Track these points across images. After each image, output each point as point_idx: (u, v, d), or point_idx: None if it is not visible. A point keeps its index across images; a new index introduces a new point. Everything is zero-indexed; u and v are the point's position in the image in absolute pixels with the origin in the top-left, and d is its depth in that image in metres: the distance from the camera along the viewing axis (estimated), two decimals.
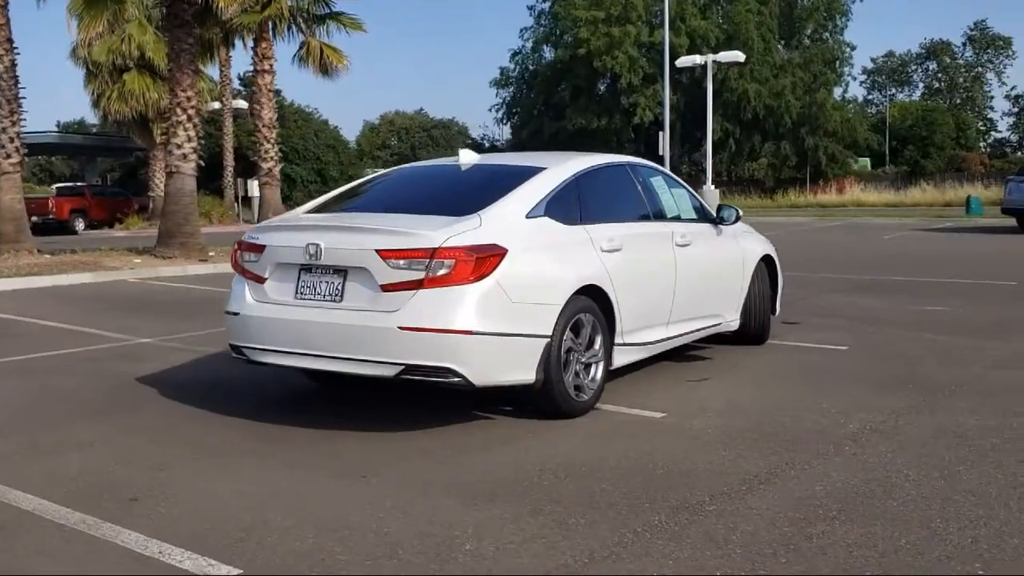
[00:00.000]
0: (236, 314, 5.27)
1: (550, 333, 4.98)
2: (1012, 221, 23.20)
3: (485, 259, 4.72)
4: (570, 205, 5.50)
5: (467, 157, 6.06)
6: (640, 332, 5.86)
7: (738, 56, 31.15)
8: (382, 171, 6.57)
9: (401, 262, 4.70)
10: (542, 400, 5.10)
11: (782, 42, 51.89)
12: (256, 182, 35.60)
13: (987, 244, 19.66)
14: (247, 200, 35.54)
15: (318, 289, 4.97)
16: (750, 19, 47.39)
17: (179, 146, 15.54)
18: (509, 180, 5.42)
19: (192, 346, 7.86)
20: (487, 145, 58.05)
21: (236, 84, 42.81)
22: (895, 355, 7.08)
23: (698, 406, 5.52)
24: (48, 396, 6.12)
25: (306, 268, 5.03)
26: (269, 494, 4.05)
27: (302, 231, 5.16)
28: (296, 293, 5.05)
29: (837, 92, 54.60)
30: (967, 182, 46.16)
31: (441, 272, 4.66)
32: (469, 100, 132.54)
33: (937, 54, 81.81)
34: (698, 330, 6.66)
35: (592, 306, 5.34)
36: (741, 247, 7.24)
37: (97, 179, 44.20)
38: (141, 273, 14.14)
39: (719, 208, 7.06)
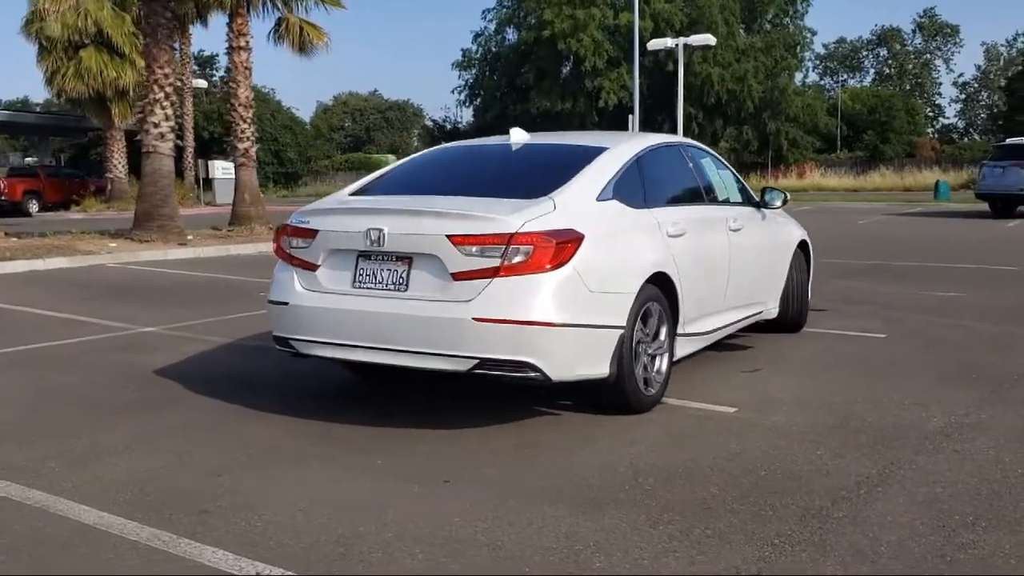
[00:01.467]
0: (284, 304, 4.87)
1: (624, 324, 4.68)
2: (984, 205, 23.43)
3: (564, 245, 4.40)
4: (635, 187, 5.20)
5: (518, 136, 5.71)
6: (698, 321, 5.60)
7: (709, 39, 31.05)
8: (431, 149, 6.16)
9: (474, 248, 4.35)
10: (613, 395, 4.81)
11: (743, 27, 51.95)
12: (216, 163, 34.90)
13: (966, 229, 19.77)
14: (208, 182, 34.70)
15: (379, 277, 4.60)
16: (714, 3, 47.31)
17: (156, 125, 14.86)
18: (572, 160, 5.10)
19: (201, 335, 7.42)
20: (449, 127, 57.31)
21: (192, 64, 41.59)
22: (937, 343, 6.91)
23: (766, 399, 5.27)
24: (62, 392, 5.68)
25: (365, 255, 4.66)
26: (350, 502, 3.71)
27: (360, 215, 4.77)
28: (354, 281, 4.68)
29: (797, 77, 54.98)
30: (925, 167, 46.76)
31: (517, 259, 4.33)
32: (424, 82, 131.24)
33: (887, 41, 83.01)
34: (745, 318, 6.42)
35: (659, 295, 5.05)
36: (783, 232, 7.02)
37: (51, 159, 42.77)
38: (120, 257, 13.52)
39: (763, 191, 6.82)
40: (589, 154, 5.17)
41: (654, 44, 31.01)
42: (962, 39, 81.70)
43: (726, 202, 6.32)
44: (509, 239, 4.32)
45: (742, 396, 5.33)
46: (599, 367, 4.62)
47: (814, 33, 54.84)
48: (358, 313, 4.60)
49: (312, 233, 4.83)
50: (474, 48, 53.89)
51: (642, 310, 4.86)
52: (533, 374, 4.37)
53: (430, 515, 3.55)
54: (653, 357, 5.06)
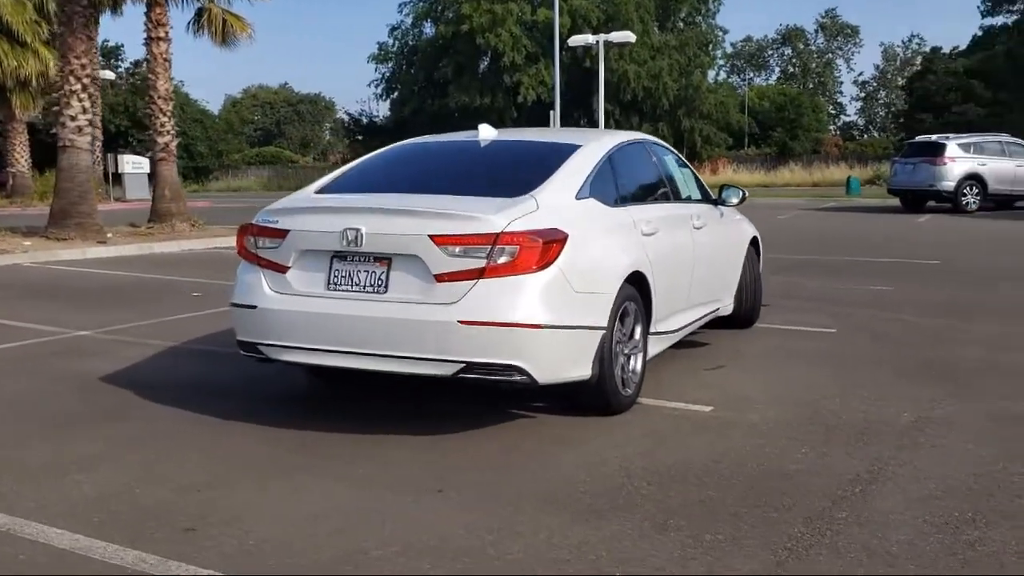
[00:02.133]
0: (252, 307, 4.65)
1: (606, 324, 4.62)
2: (895, 200, 24.19)
3: (550, 245, 4.30)
4: (609, 186, 5.14)
5: (486, 132, 5.59)
6: (667, 320, 5.58)
7: (629, 36, 31.28)
8: (405, 142, 5.90)
9: (458, 249, 4.23)
10: (593, 396, 4.74)
11: (657, 24, 52.61)
12: (125, 157, 33.70)
13: (880, 223, 20.36)
14: (117, 177, 33.51)
15: (356, 279, 4.43)
16: (629, 0, 47.77)
17: (73, 118, 14.20)
18: (548, 157, 5.02)
19: (140, 339, 7.09)
20: (365, 121, 56.55)
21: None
22: (885, 338, 7.05)
23: (738, 397, 5.28)
24: (3, 403, 5.33)
25: (340, 255, 4.48)
26: (344, 515, 3.55)
27: (334, 214, 4.58)
28: (328, 283, 4.49)
29: (710, 75, 55.95)
30: (831, 163, 48.19)
31: (503, 260, 4.22)
32: (337, 75, 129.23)
33: (792, 40, 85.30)
34: (706, 316, 6.43)
35: (635, 294, 5.00)
36: (738, 229, 7.08)
37: None
38: (37, 257, 12.89)
39: (721, 189, 6.86)
40: (563, 152, 5.09)
41: (575, 40, 31.14)
42: (862, 39, 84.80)
43: (688, 199, 6.33)
44: (495, 239, 4.21)
45: (714, 394, 5.33)
46: (582, 368, 4.55)
47: (726, 32, 56.09)
48: (334, 316, 4.42)
49: (282, 233, 4.62)
50: (391, 42, 53.33)
51: (620, 310, 4.81)
52: (519, 377, 4.28)
53: (432, 526, 3.42)
54: (629, 357, 5.01)
